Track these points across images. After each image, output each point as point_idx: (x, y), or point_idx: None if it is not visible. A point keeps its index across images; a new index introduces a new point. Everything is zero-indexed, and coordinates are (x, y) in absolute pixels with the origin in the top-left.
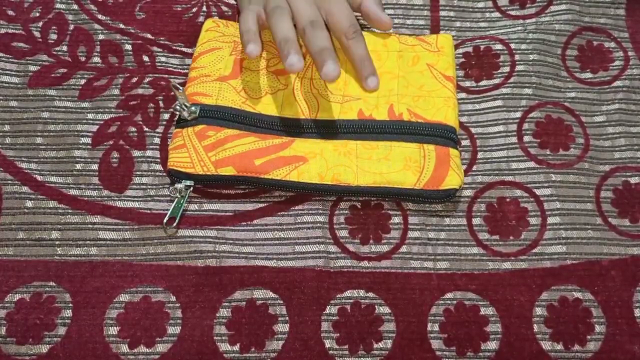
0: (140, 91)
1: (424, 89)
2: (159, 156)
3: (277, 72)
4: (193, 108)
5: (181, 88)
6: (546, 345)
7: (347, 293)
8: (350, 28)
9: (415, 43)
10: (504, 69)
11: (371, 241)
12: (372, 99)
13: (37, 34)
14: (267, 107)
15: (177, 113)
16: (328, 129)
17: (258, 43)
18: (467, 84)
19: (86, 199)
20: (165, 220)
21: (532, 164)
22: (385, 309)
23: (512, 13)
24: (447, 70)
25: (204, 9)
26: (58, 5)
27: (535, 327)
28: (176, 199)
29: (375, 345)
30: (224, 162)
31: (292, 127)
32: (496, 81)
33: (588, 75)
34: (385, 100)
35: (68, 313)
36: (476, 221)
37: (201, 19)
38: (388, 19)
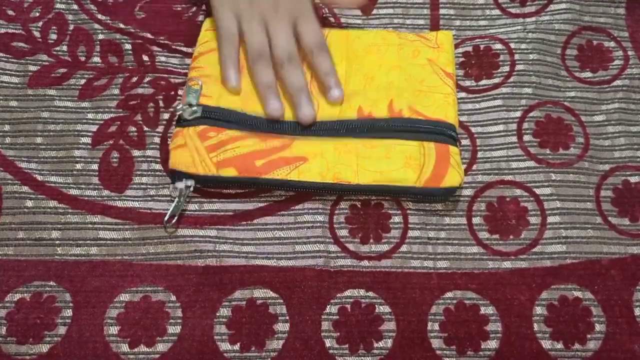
0: (140, 91)
1: (425, 84)
2: (159, 156)
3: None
4: (195, 108)
5: (200, 81)
6: (546, 344)
7: (347, 292)
8: (316, 45)
9: (415, 39)
10: (504, 68)
11: (371, 240)
12: (372, 92)
13: (37, 34)
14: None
15: (179, 112)
16: (328, 129)
17: (238, 78)
18: (467, 83)
19: (86, 198)
20: (165, 219)
21: (532, 163)
22: (386, 308)
23: (512, 11)
24: (447, 66)
25: (204, 8)
26: (58, 5)
27: (536, 326)
28: (176, 199)
29: (375, 345)
30: (225, 163)
31: (292, 128)
32: (496, 80)
33: (588, 74)
34: (385, 94)
35: (68, 313)
36: (476, 220)
37: (201, 18)
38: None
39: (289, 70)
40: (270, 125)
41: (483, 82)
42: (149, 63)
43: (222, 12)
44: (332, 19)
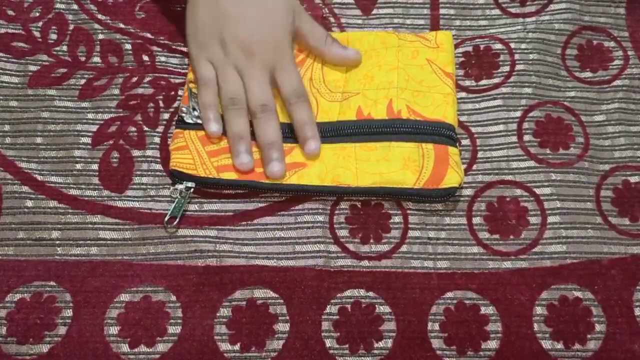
0: (140, 91)
1: (424, 84)
2: (159, 156)
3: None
4: (197, 112)
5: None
6: (546, 344)
7: (348, 292)
8: (292, 94)
9: (414, 39)
10: (504, 68)
11: (371, 240)
12: (372, 92)
13: (37, 34)
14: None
15: (182, 115)
16: (327, 132)
17: (219, 121)
18: (467, 83)
19: (86, 198)
20: (165, 220)
21: (532, 163)
22: (386, 309)
23: (513, 11)
24: (446, 66)
25: None
26: (58, 5)
27: (536, 326)
28: (176, 200)
29: (375, 345)
30: (226, 168)
31: (292, 134)
32: (496, 80)
33: (588, 74)
34: (385, 95)
35: (68, 313)
36: (476, 220)
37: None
38: (354, 53)
39: (261, 121)
40: None
41: (483, 82)
42: (149, 63)
43: (198, 60)
44: (332, 19)
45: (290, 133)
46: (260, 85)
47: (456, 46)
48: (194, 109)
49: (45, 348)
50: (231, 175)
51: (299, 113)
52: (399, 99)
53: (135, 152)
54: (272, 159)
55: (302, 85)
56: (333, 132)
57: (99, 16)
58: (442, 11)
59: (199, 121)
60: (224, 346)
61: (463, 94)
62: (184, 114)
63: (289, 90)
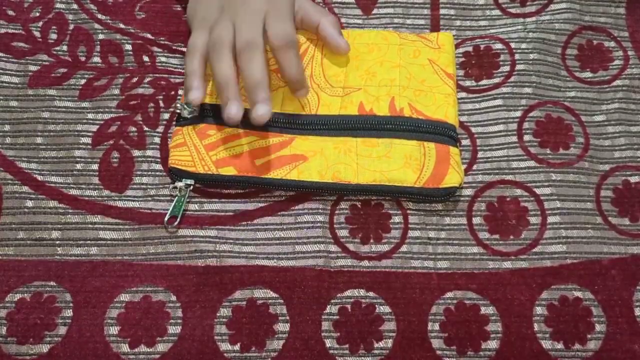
0: (140, 91)
1: (426, 84)
2: (159, 156)
3: (277, 70)
4: (194, 107)
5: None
6: (546, 344)
7: (348, 292)
8: (280, 41)
9: (416, 39)
10: (504, 68)
11: (371, 240)
12: (374, 89)
13: (37, 34)
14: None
15: (178, 111)
16: (328, 125)
17: (201, 90)
18: (467, 83)
19: (86, 198)
20: (166, 219)
21: (532, 163)
22: (386, 309)
23: (513, 11)
24: (447, 67)
25: None
26: (58, 5)
27: (536, 326)
28: (176, 198)
29: (375, 345)
30: (224, 161)
31: (292, 124)
32: (496, 80)
33: (588, 74)
34: (387, 92)
35: (68, 313)
36: (476, 220)
37: None
38: (345, 44)
39: (245, 58)
40: (270, 123)
41: (483, 82)
42: (149, 63)
43: (194, 31)
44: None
45: (289, 123)
46: (248, 24)
47: (456, 46)
48: (185, 105)
49: (45, 348)
50: (230, 171)
51: (286, 61)
52: (401, 97)
53: (136, 152)
54: (257, 100)
55: (293, 33)
56: (334, 126)
57: (99, 16)
58: (442, 11)
59: (196, 114)
60: (224, 346)
61: (463, 94)
62: (179, 110)
63: (278, 37)
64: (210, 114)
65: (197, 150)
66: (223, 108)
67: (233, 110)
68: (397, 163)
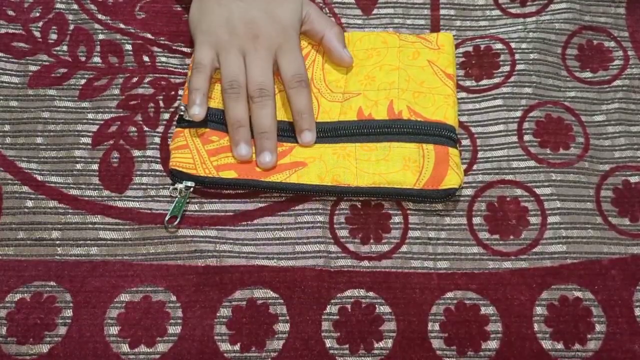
0: (140, 91)
1: (425, 85)
2: (159, 156)
3: (277, 74)
4: None
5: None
6: (546, 344)
7: (348, 292)
8: (293, 78)
9: (415, 40)
10: (504, 68)
11: (371, 241)
12: (373, 93)
13: (37, 34)
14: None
15: (181, 113)
16: (327, 132)
17: (204, 106)
18: (468, 83)
19: (86, 198)
20: (166, 219)
21: (532, 163)
22: (386, 309)
23: (513, 11)
24: (447, 67)
25: None
26: (58, 5)
27: (536, 326)
28: (176, 199)
29: (375, 345)
30: (226, 167)
31: (292, 132)
32: (496, 80)
33: (588, 74)
34: (386, 95)
35: (68, 313)
36: (476, 220)
37: None
38: (349, 57)
39: (257, 106)
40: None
41: (483, 82)
42: (149, 63)
43: (200, 45)
44: (332, 19)
45: (291, 132)
46: (261, 67)
47: (457, 46)
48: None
49: (45, 348)
50: (231, 174)
51: (298, 99)
52: (399, 99)
53: (136, 152)
54: (263, 148)
55: (304, 71)
56: (333, 132)
57: (99, 16)
58: (442, 12)
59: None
60: (224, 346)
61: (463, 94)
62: (182, 112)
63: (290, 74)
64: (214, 118)
65: (199, 154)
66: (233, 147)
67: (243, 152)
68: (396, 165)
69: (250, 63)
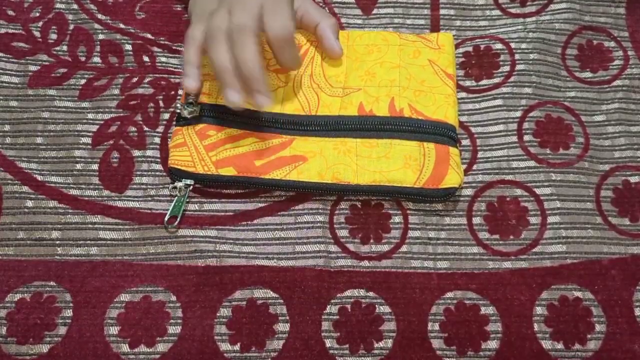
0: (140, 91)
1: (426, 84)
2: (159, 156)
3: (277, 70)
4: (192, 107)
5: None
6: (546, 344)
7: (348, 292)
8: (279, 33)
9: (416, 40)
10: (504, 68)
11: (371, 241)
12: (374, 89)
13: (37, 34)
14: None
15: (178, 111)
16: (328, 126)
17: (196, 78)
18: (467, 83)
19: (86, 198)
20: (166, 219)
21: (532, 163)
22: (386, 309)
23: (513, 11)
24: (447, 67)
25: None
26: (58, 5)
27: (536, 326)
28: (176, 198)
29: (375, 345)
30: (224, 162)
31: (292, 124)
32: (496, 80)
33: (588, 74)
34: (386, 92)
35: (68, 313)
36: (476, 220)
37: None
38: (339, 48)
39: (237, 43)
40: (270, 122)
41: (483, 82)
42: (149, 63)
43: (192, 25)
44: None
45: (290, 124)
46: (242, 10)
47: (456, 46)
48: (189, 104)
49: (45, 348)
50: (230, 171)
51: (282, 55)
52: (401, 97)
53: (136, 152)
54: (254, 90)
55: (291, 28)
56: (334, 126)
57: (99, 16)
58: (442, 11)
59: (196, 115)
60: (224, 346)
61: (463, 94)
62: (179, 110)
63: (273, 29)
64: (210, 114)
65: (197, 150)
66: (223, 94)
67: (230, 97)
68: (397, 163)
69: (233, 9)
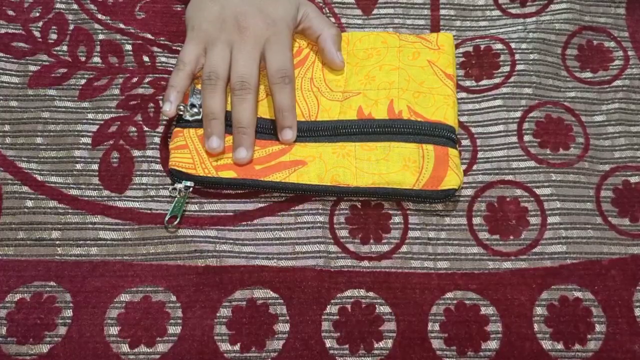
0: (140, 91)
1: (425, 85)
2: (159, 156)
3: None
4: (196, 109)
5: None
6: (546, 344)
7: (348, 293)
8: (277, 73)
9: (415, 40)
10: (504, 68)
11: (371, 241)
12: (373, 92)
13: (37, 34)
14: (267, 109)
15: (180, 113)
16: (328, 131)
17: (176, 104)
18: (468, 83)
19: (86, 198)
20: (166, 219)
21: (532, 163)
22: (386, 309)
23: (513, 11)
24: (447, 68)
25: None
26: (58, 5)
27: (536, 327)
28: (176, 199)
29: (375, 345)
30: (225, 167)
31: None
32: (496, 81)
33: (588, 74)
34: (386, 95)
35: (68, 313)
36: (476, 220)
37: None
38: (340, 60)
39: (237, 100)
40: (270, 129)
41: (483, 82)
42: (149, 64)
43: (187, 44)
44: (332, 19)
45: None
46: (245, 59)
47: (457, 46)
48: (192, 106)
49: (45, 348)
50: (230, 174)
51: (280, 95)
52: (400, 99)
53: (135, 152)
54: (240, 143)
55: (290, 67)
56: (333, 131)
57: (99, 16)
58: (442, 12)
59: (198, 117)
60: (224, 346)
61: (463, 94)
62: (181, 112)
63: (275, 68)
64: None
65: (198, 154)
66: (205, 139)
67: (213, 145)
68: (396, 166)
69: (236, 55)
